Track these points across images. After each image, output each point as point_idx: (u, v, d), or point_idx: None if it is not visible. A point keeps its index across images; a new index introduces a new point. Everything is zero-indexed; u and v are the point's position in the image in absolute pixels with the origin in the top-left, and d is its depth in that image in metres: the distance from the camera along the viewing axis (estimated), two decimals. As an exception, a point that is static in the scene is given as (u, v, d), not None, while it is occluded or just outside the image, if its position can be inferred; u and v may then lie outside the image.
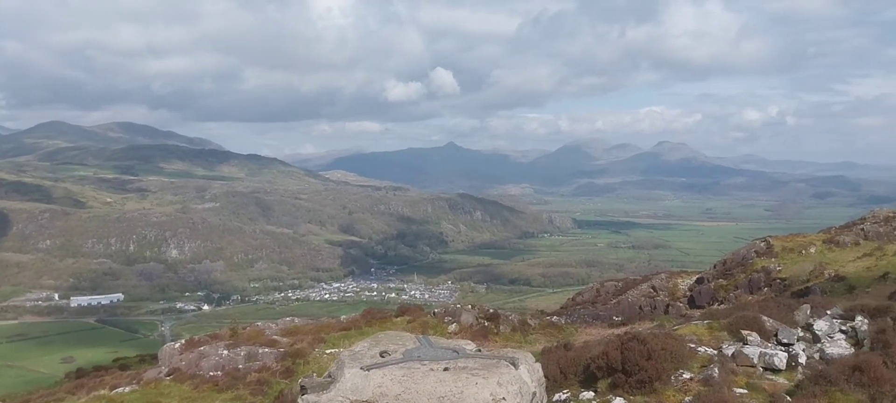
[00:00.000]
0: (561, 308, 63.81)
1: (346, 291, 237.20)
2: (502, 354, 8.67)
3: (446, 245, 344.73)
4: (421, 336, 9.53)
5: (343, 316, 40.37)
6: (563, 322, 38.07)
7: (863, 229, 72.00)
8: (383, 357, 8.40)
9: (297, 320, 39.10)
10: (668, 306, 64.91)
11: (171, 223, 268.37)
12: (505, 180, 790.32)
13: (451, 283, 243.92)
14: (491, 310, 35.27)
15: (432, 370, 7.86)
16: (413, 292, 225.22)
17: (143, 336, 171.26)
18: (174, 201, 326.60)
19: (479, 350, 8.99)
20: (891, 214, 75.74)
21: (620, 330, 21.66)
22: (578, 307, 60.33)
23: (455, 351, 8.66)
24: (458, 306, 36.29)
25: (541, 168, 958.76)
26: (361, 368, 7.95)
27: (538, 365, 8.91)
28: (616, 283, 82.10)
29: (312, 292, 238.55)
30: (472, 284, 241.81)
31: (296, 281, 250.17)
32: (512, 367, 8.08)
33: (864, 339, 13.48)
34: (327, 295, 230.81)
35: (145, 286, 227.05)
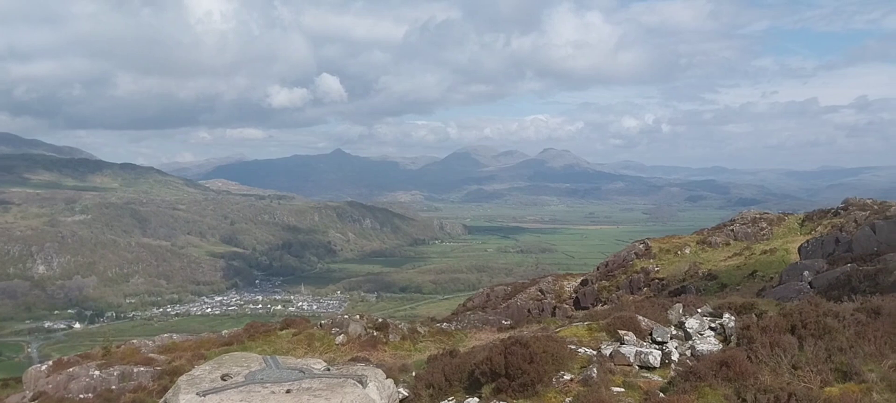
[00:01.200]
0: (452, 314, 64.40)
1: (229, 305, 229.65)
2: (351, 372, 8.51)
3: (335, 254, 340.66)
4: (268, 356, 9.21)
5: (225, 331, 39.04)
6: (453, 328, 38.30)
7: (732, 230, 77.06)
8: (224, 380, 8.03)
9: (175, 336, 37.47)
10: (555, 308, 66.90)
11: (37, 237, 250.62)
12: (394, 187, 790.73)
13: (341, 293, 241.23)
14: (380, 320, 35.01)
15: (273, 393, 7.56)
16: (300, 304, 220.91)
17: (7, 358, 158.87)
18: (41, 214, 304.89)
19: (329, 369, 8.78)
20: (757, 216, 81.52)
21: (507, 335, 22.00)
22: (469, 312, 61.08)
23: (301, 371, 8.41)
24: (346, 316, 35.77)
25: (430, 175, 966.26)
26: (198, 394, 7.54)
27: (390, 382, 8.80)
28: (505, 288, 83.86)
29: (193, 307, 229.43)
30: (362, 293, 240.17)
31: (175, 296, 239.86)
32: (359, 386, 7.91)
33: (732, 335, 14.29)
34: (209, 310, 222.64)
35: (9, 304, 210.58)
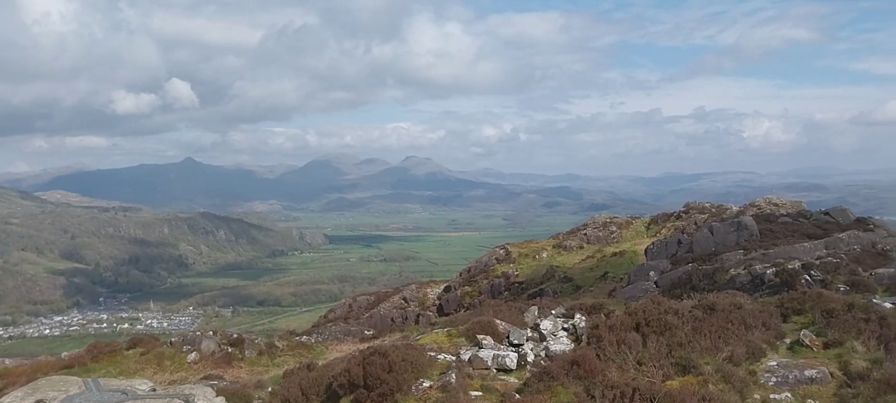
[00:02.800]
0: (313, 326, 63.29)
1: (70, 325, 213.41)
2: (178, 392, 8.18)
3: (187, 268, 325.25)
4: (89, 379, 8.67)
5: (65, 353, 36.26)
6: (313, 341, 37.57)
7: (585, 234, 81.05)
8: (39, 407, 7.48)
9: (8, 361, 34.37)
10: (418, 316, 67.45)
11: None
12: (250, 197, 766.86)
13: (194, 309, 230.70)
14: (235, 335, 33.76)
15: (92, 418, 7.15)
16: (150, 321, 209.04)
17: None
18: None
19: (154, 390, 8.40)
20: (607, 220, 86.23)
21: (368, 345, 21.88)
22: (330, 324, 60.27)
23: (124, 393, 7.99)
24: (199, 333, 34.22)
25: (289, 184, 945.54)
26: (8, 422, 7.00)
27: (221, 399, 8.52)
28: (368, 297, 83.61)
29: (29, 328, 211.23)
30: (217, 308, 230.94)
31: (8, 317, 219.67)
32: (184, 406, 7.62)
33: (583, 335, 15.01)
34: (48, 331, 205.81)
35: None
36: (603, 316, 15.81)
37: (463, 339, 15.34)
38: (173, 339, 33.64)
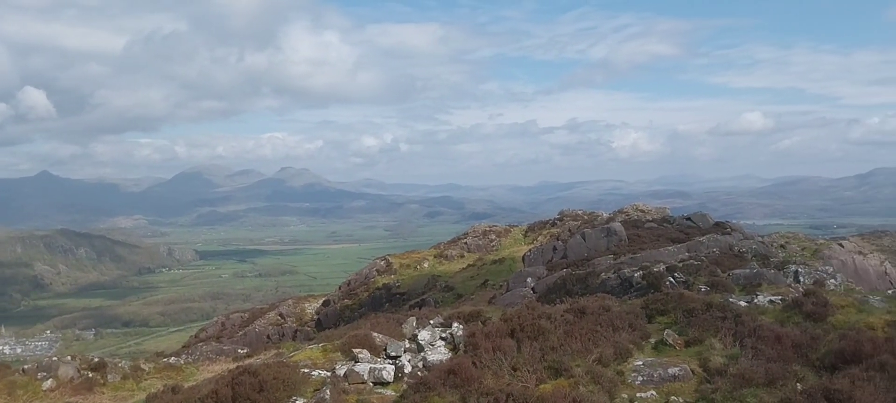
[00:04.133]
0: (183, 347, 60.57)
1: None
2: None
3: (44, 289, 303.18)
4: None
5: None
6: (183, 362, 35.91)
7: (466, 243, 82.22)
8: None
9: None
10: (296, 332, 66.05)
11: None
12: (114, 212, 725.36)
13: (52, 333, 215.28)
14: (97, 359, 31.69)
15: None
16: (1, 348, 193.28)
17: None
18: None
19: None
20: (487, 228, 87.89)
21: (244, 364, 21.16)
22: (202, 343, 57.81)
23: None
24: (56, 358, 31.87)
25: (156, 197, 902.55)
26: None
27: None
28: (242, 314, 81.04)
29: None
30: (78, 331, 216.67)
31: None
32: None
33: (460, 344, 15.16)
34: None
35: None
36: (480, 323, 16.06)
37: (339, 354, 15.14)
38: (27, 366, 31.21)
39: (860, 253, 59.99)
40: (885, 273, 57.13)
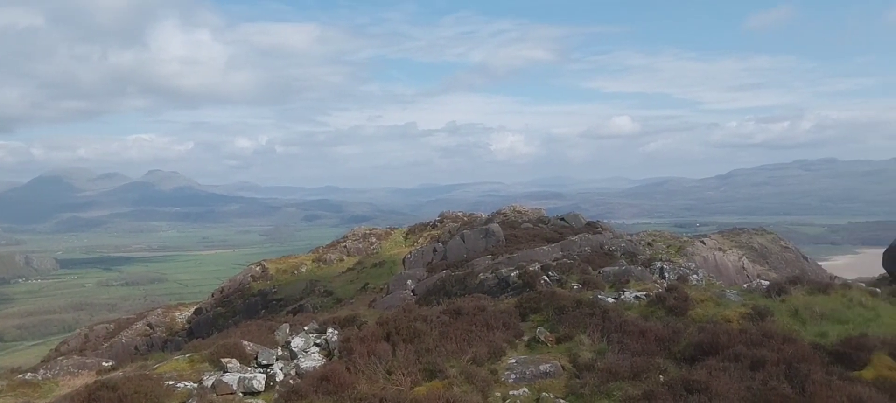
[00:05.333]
0: (42, 361, 56.54)
1: None
2: None
3: None
4: None
5: None
6: (40, 377, 33.47)
7: (346, 246, 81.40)
8: None
9: None
10: (165, 342, 63.09)
11: None
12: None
13: None
14: (-64, 380, 29.05)
15: None
16: None
17: None
18: None
19: None
20: (367, 231, 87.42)
21: (103, 378, 19.94)
22: (63, 357, 54.10)
23: None
24: None
25: (10, 203, 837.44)
26: None
27: None
28: (108, 325, 76.60)
29: None
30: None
31: None
32: None
33: (335, 349, 14.94)
34: None
35: None
36: (356, 328, 15.90)
37: (207, 364, 14.54)
38: None
39: (720, 249, 64.12)
40: (743, 268, 61.37)
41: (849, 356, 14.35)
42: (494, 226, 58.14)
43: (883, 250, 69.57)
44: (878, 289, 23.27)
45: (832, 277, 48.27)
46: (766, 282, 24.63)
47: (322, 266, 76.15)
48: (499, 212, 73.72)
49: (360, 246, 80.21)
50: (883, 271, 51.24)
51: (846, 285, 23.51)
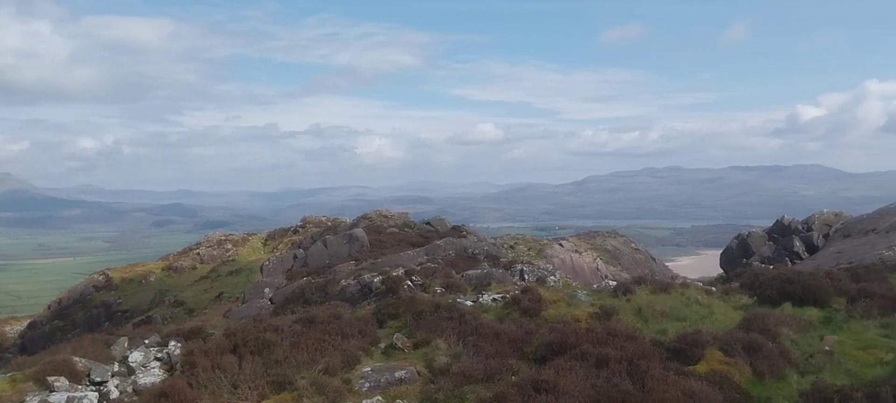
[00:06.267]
0: None
1: None
2: None
3: None
4: None
5: None
6: None
7: (199, 253, 78.16)
8: None
9: None
10: (-8, 361, 58.04)
11: None
12: None
13: None
14: None
15: None
16: None
17: None
18: None
19: None
20: (223, 237, 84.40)
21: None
22: None
23: None
24: None
25: None
26: None
27: None
28: (-77, 345, 69.48)
29: None
30: None
31: None
32: None
33: (177, 363, 14.27)
34: None
35: None
36: (201, 340, 15.27)
37: (31, 383, 13.45)
38: None
39: (577, 251, 67.06)
40: (597, 268, 64.51)
41: (685, 351, 15.39)
42: (359, 231, 57.88)
43: (720, 251, 75.40)
44: (713, 288, 25.13)
45: (674, 277, 51.69)
46: (614, 283, 25.99)
47: (173, 274, 72.70)
48: (364, 217, 73.47)
49: (216, 253, 77.33)
50: (721, 270, 55.46)
51: (685, 284, 25.24)
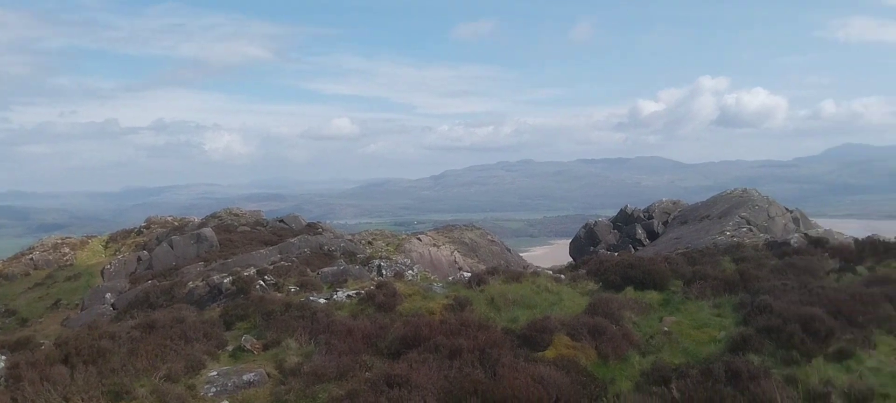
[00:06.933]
0: None
1: None
2: None
3: None
4: None
5: None
6: None
7: (32, 259, 72.35)
8: None
9: None
10: None
11: None
12: None
13: None
14: None
15: None
16: None
17: None
18: None
19: None
20: (59, 241, 78.63)
21: None
22: None
23: None
24: None
25: None
26: None
27: None
28: None
29: None
30: None
31: None
32: None
33: (1, 378, 13.12)
34: None
35: None
36: (28, 351, 14.09)
37: None
38: None
39: (435, 245, 67.95)
40: (455, 261, 65.66)
41: (534, 338, 15.94)
42: (208, 231, 55.69)
43: (570, 240, 78.87)
44: (562, 275, 26.23)
45: (526, 266, 53.55)
46: (469, 274, 26.53)
47: (3, 282, 66.95)
48: (213, 216, 70.87)
49: (51, 257, 71.86)
50: (570, 259, 58.10)
51: (536, 273, 26.18)
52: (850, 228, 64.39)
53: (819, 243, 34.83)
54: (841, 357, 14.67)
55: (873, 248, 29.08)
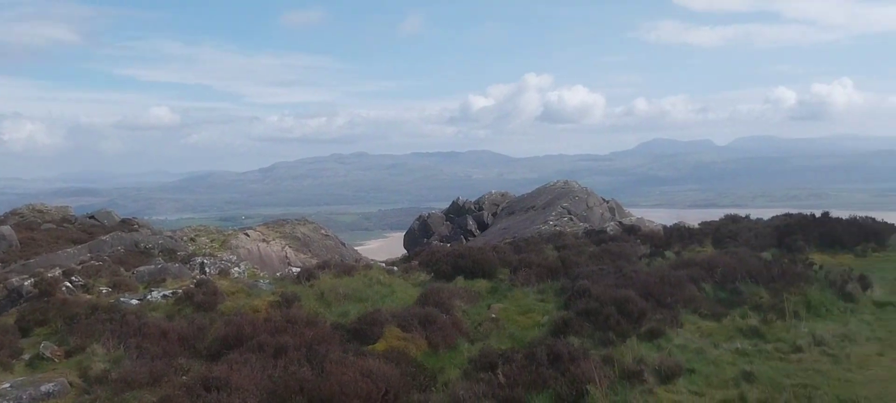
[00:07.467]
0: None
1: None
2: None
3: None
4: None
5: None
6: None
7: None
8: None
9: None
10: None
11: None
12: None
13: None
14: None
15: None
16: None
17: None
18: None
19: None
20: None
21: None
22: None
23: None
24: None
25: None
26: None
27: None
28: None
29: None
30: None
31: None
32: None
33: None
34: None
35: None
36: None
37: None
38: None
39: (264, 240, 65.86)
40: (286, 256, 64.03)
41: (365, 332, 15.71)
42: (6, 229, 50.61)
43: (404, 233, 79.57)
44: (395, 267, 26.21)
45: (359, 259, 53.34)
46: (298, 269, 25.84)
47: None
48: (14, 212, 64.61)
49: None
50: (405, 251, 58.47)
51: (368, 266, 25.97)
52: (659, 216, 69.96)
53: (632, 230, 37.53)
54: (652, 336, 15.67)
55: (679, 235, 31.82)
